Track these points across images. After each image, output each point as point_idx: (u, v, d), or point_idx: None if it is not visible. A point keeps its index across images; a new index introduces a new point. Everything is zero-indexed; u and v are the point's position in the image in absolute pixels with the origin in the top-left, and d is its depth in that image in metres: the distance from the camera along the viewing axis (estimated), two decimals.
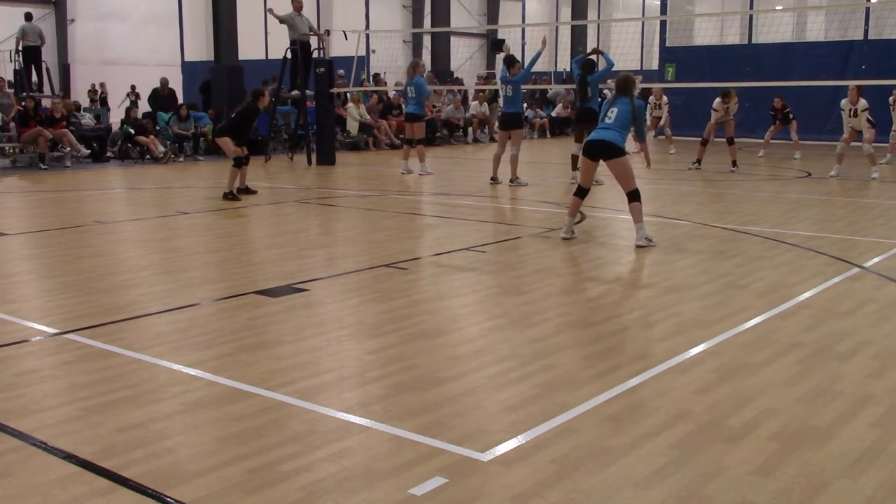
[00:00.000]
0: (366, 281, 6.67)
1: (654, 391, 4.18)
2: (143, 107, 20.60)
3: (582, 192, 8.30)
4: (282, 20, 16.89)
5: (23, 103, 16.43)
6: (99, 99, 24.59)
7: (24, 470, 3.33)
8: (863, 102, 14.02)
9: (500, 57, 15.24)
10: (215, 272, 7.09)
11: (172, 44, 29.30)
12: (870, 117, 14.00)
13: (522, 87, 13.33)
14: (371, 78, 24.24)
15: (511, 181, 12.82)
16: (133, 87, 25.22)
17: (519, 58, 34.34)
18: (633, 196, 8.00)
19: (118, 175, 15.39)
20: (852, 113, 14.12)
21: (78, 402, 4.03)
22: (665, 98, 19.24)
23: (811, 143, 21.16)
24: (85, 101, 23.24)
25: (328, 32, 18.11)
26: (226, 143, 11.67)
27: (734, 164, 15.08)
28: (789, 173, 14.96)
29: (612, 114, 8.11)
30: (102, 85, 25.17)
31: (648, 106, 19.19)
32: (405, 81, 15.02)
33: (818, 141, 21.65)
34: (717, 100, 15.36)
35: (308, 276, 6.73)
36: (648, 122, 18.95)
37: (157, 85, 20.99)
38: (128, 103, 21.87)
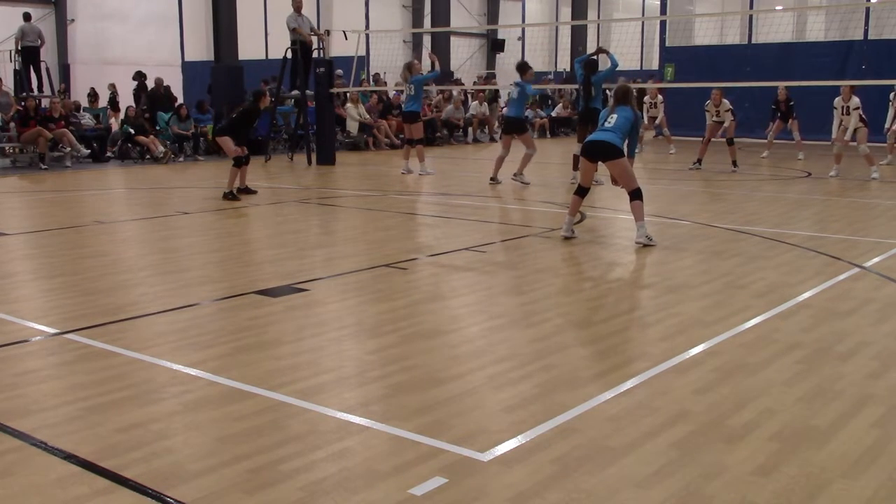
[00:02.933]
0: (366, 281, 6.67)
1: (654, 391, 4.18)
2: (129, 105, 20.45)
3: (582, 192, 8.33)
4: (297, 31, 16.82)
5: (23, 103, 16.43)
6: (109, 101, 24.56)
7: (24, 470, 3.33)
8: (855, 101, 14.04)
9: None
10: (215, 272, 7.09)
11: (172, 44, 29.28)
12: (862, 115, 14.00)
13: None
14: (371, 78, 24.24)
15: (514, 175, 12.82)
16: (113, 86, 25.19)
17: (518, 58, 34.45)
18: (635, 195, 8.02)
19: (118, 175, 15.39)
20: (845, 111, 14.15)
21: (78, 402, 4.03)
22: (660, 97, 19.19)
23: (811, 143, 21.15)
24: (85, 101, 23.21)
25: (328, 32, 18.10)
26: (226, 142, 11.68)
27: (734, 164, 15.07)
28: (789, 173, 14.96)
29: (612, 119, 8.15)
30: (113, 86, 25.16)
31: (644, 105, 19.13)
32: (403, 82, 15.00)
33: (819, 141, 21.65)
34: (708, 101, 15.50)
35: (308, 276, 6.73)
36: (645, 122, 18.91)
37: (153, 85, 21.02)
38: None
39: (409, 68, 14.74)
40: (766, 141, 17.81)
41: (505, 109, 13.46)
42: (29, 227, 9.39)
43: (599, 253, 7.90)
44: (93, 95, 23.51)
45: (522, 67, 13.10)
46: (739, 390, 4.19)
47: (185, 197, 12.22)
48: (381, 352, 4.83)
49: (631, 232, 8.29)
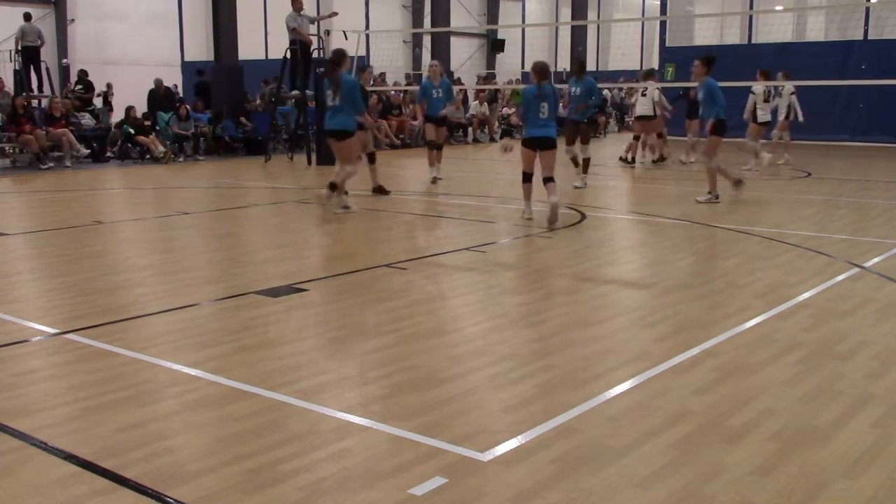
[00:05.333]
0: (366, 281, 6.67)
1: (654, 391, 4.18)
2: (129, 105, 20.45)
3: (530, 178, 9.33)
4: (297, 30, 16.73)
5: (12, 102, 16.44)
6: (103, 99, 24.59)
7: (24, 470, 3.33)
8: (789, 87, 14.55)
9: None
10: (215, 272, 7.09)
11: (172, 44, 29.31)
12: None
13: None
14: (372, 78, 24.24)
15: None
16: (109, 86, 25.19)
17: (518, 58, 34.48)
18: (553, 178, 9.18)
19: (118, 175, 15.39)
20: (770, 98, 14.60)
21: (78, 402, 4.03)
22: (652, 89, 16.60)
23: (811, 143, 21.16)
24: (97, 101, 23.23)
25: (328, 32, 18.10)
26: (359, 136, 11.37)
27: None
28: (789, 173, 14.96)
29: (545, 109, 8.98)
30: (109, 86, 25.17)
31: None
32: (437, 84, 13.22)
33: (818, 141, 21.66)
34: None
35: (308, 276, 6.73)
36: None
37: (153, 86, 21.06)
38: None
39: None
40: (688, 141, 16.54)
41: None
42: (29, 227, 9.39)
43: (599, 253, 7.90)
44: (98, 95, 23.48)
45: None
46: (739, 390, 4.19)
47: (185, 197, 12.22)
48: (381, 352, 4.83)
49: (631, 232, 8.29)
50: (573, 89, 12.10)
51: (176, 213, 10.41)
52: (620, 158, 16.26)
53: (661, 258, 7.53)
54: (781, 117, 15.23)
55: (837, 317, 5.53)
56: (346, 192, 10.14)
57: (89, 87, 21.06)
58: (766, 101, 14.78)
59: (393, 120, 21.44)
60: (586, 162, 12.65)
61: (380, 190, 11.71)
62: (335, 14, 17.87)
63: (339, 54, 9.90)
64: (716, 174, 10.88)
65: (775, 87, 14.93)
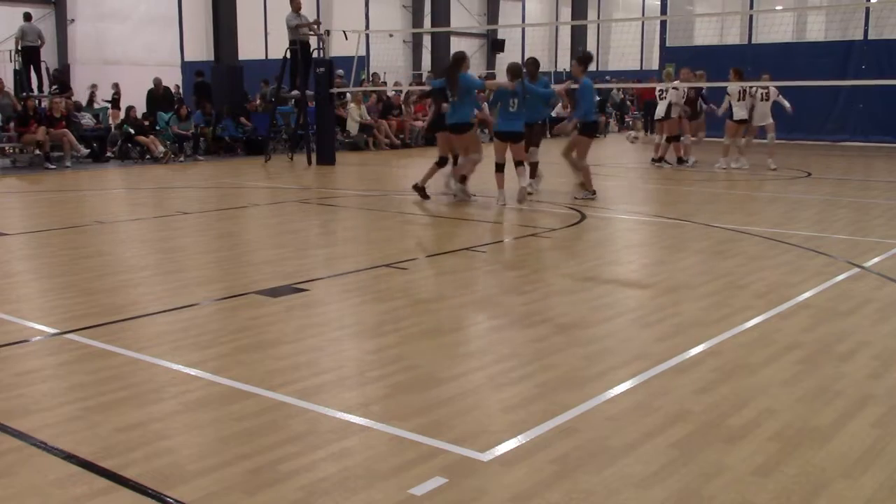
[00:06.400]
0: (366, 281, 6.67)
1: (654, 391, 4.18)
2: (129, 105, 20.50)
3: (502, 168, 10.49)
4: (296, 26, 16.73)
5: (23, 103, 16.46)
6: (111, 100, 24.66)
7: (24, 470, 3.33)
8: (773, 90, 14.71)
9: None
10: (215, 272, 7.08)
11: (172, 44, 29.32)
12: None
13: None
14: (370, 78, 24.24)
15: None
16: (117, 86, 25.20)
17: (518, 58, 34.46)
18: (522, 163, 10.45)
19: (118, 175, 15.39)
20: (764, 97, 14.78)
21: (78, 402, 4.03)
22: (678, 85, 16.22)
23: (811, 143, 21.17)
24: (85, 101, 23.24)
25: (328, 32, 18.14)
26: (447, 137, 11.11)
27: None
28: (789, 173, 14.96)
29: (514, 103, 10.19)
30: (116, 86, 25.23)
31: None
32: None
33: (819, 141, 21.65)
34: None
35: (308, 276, 6.73)
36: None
37: (152, 86, 21.07)
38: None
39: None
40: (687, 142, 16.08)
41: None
42: (29, 227, 9.39)
43: (599, 253, 7.90)
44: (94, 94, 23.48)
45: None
46: (739, 390, 4.19)
47: (185, 197, 12.22)
48: (381, 352, 4.82)
49: (631, 232, 8.30)
50: None
51: (176, 213, 10.41)
52: (655, 161, 16.03)
53: (661, 258, 7.53)
54: (769, 120, 15.12)
55: (837, 317, 5.53)
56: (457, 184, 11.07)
57: (65, 87, 20.97)
58: (742, 99, 14.86)
59: (393, 120, 21.44)
60: (533, 166, 11.68)
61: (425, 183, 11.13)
62: (318, 22, 17.89)
63: (460, 56, 10.88)
64: (589, 171, 11.27)
65: (752, 88, 14.96)
